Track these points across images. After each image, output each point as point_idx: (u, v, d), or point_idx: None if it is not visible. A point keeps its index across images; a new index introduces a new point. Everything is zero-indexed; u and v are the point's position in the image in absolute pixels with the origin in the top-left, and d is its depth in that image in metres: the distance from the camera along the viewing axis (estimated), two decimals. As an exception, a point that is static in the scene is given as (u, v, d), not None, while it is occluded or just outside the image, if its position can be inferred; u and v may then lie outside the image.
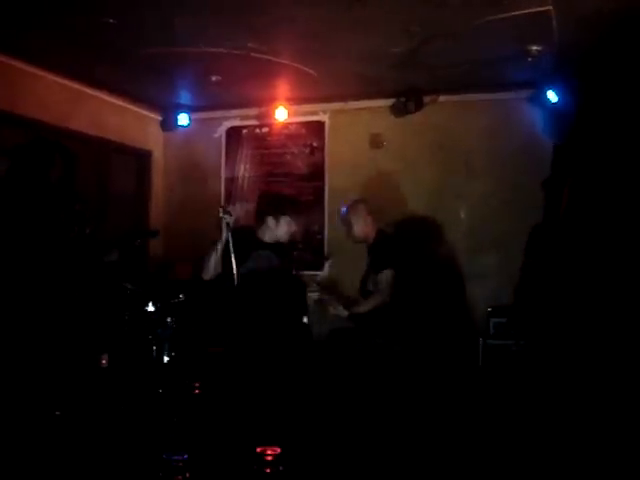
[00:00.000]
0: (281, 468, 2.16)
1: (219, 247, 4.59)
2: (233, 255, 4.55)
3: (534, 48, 5.27)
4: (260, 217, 4.85)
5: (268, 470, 2.13)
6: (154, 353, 4.67)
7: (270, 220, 4.77)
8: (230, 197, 7.46)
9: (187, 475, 2.20)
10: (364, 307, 5.17)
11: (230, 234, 4.58)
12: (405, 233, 6.13)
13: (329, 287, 5.45)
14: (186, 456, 2.24)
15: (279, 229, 4.80)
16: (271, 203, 4.97)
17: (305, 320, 4.71)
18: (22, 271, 3.64)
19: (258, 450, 2.17)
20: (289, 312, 4.67)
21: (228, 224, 4.59)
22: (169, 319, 4.95)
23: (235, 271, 4.56)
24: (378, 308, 5.10)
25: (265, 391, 3.27)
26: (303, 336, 4.68)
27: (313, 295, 5.01)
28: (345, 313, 5.17)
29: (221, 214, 4.61)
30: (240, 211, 6.48)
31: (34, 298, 3.59)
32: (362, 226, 5.33)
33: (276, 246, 4.84)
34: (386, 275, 5.10)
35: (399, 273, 5.11)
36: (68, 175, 4.09)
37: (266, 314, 4.53)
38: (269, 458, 2.14)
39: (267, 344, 4.35)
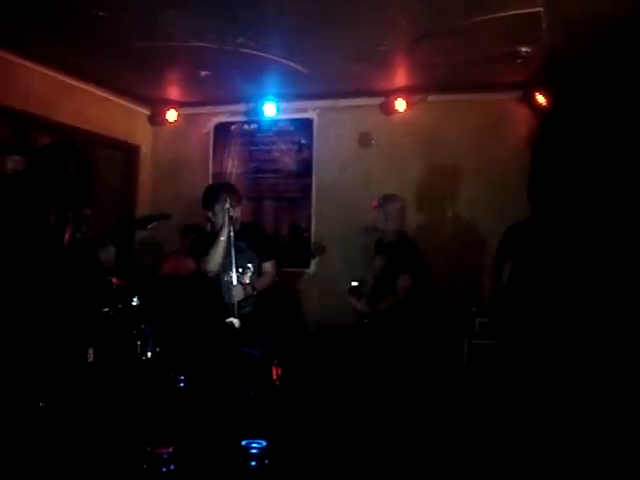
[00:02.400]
0: (267, 462, 2.15)
1: (222, 240, 4.62)
2: (233, 248, 4.57)
3: (523, 49, 5.29)
4: None
5: (253, 463, 2.13)
6: (138, 348, 4.66)
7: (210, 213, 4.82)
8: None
9: (172, 467, 2.19)
10: (385, 305, 5.20)
11: (233, 227, 4.62)
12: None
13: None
14: (171, 449, 2.23)
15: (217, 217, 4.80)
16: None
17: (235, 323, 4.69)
18: (13, 267, 3.63)
19: (243, 443, 2.17)
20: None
21: (231, 217, 4.62)
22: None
23: (234, 263, 4.59)
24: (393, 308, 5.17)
25: (245, 385, 3.27)
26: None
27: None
28: (367, 309, 5.23)
29: (226, 205, 4.64)
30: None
31: (21, 293, 3.58)
32: (386, 220, 5.35)
33: (242, 232, 4.87)
34: (405, 279, 5.16)
35: (415, 277, 5.19)
36: (82, 180, 4.08)
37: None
38: (254, 451, 2.14)
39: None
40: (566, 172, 5.34)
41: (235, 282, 4.65)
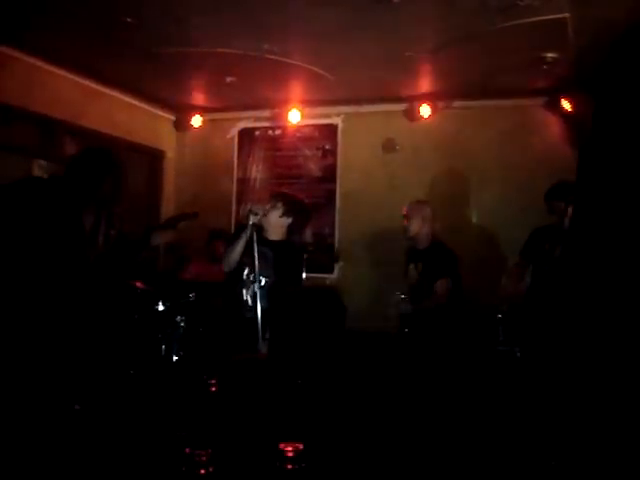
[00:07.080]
0: (303, 465, 2.15)
1: (242, 242, 4.62)
2: (256, 254, 4.56)
3: (550, 55, 5.27)
4: None
5: (290, 466, 2.12)
6: (163, 351, 4.69)
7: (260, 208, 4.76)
8: (242, 198, 7.46)
9: (210, 469, 2.20)
10: (429, 304, 5.15)
11: (255, 234, 4.60)
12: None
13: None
14: (210, 450, 2.24)
15: (268, 218, 4.75)
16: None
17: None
18: (47, 271, 3.67)
19: (280, 446, 2.17)
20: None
21: (254, 224, 4.62)
22: (178, 318, 4.96)
23: (257, 270, 4.58)
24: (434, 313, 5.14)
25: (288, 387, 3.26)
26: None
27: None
28: (410, 309, 5.17)
29: (248, 211, 4.66)
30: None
31: (53, 298, 3.61)
32: (419, 226, 5.26)
33: (280, 245, 4.84)
34: (444, 283, 5.13)
35: (454, 282, 5.18)
36: (117, 186, 4.11)
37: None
38: (291, 454, 2.14)
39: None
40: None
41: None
